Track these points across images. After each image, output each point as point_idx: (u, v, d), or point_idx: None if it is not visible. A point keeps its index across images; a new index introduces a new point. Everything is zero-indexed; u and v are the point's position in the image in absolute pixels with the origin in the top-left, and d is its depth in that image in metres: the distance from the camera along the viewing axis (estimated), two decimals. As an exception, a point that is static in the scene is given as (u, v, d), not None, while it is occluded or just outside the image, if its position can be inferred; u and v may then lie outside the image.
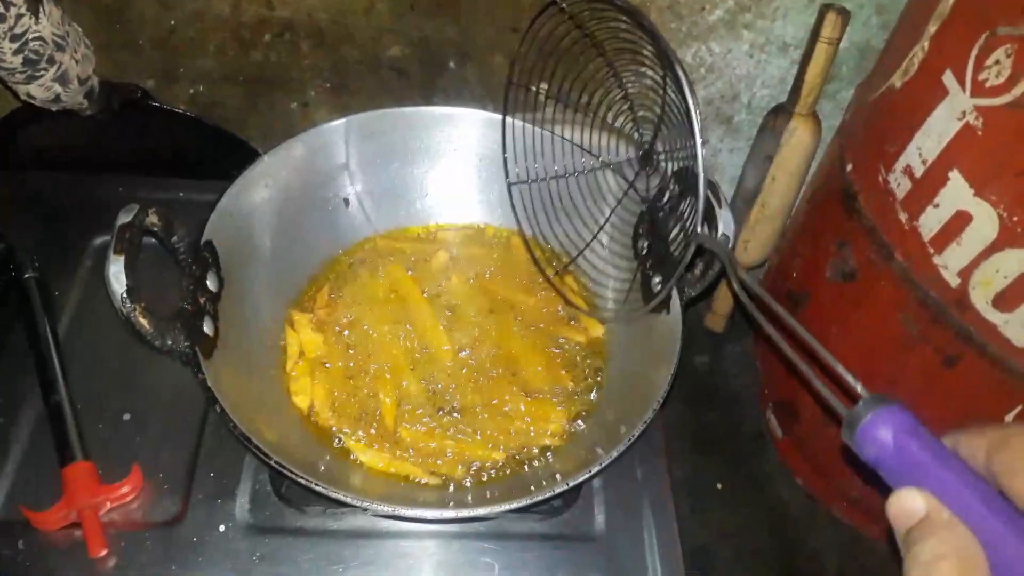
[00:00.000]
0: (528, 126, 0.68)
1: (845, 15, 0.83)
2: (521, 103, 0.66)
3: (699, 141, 0.50)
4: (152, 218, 0.54)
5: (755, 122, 0.98)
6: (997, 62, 0.61)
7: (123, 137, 0.82)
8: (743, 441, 1.17)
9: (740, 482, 1.12)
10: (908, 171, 0.72)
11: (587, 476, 0.52)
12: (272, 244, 0.67)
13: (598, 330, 0.69)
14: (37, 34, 0.63)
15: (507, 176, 0.70)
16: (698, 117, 0.50)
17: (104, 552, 0.56)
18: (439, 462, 0.60)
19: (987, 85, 0.62)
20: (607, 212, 0.69)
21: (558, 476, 0.53)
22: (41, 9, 0.63)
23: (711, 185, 0.60)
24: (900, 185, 0.73)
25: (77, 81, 0.69)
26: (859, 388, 0.33)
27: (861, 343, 0.86)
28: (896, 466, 0.31)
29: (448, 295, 0.70)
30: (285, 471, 0.50)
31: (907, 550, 0.29)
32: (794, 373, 0.37)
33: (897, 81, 0.73)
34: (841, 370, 0.34)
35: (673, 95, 0.55)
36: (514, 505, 0.51)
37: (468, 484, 0.60)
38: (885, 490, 0.31)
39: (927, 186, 0.70)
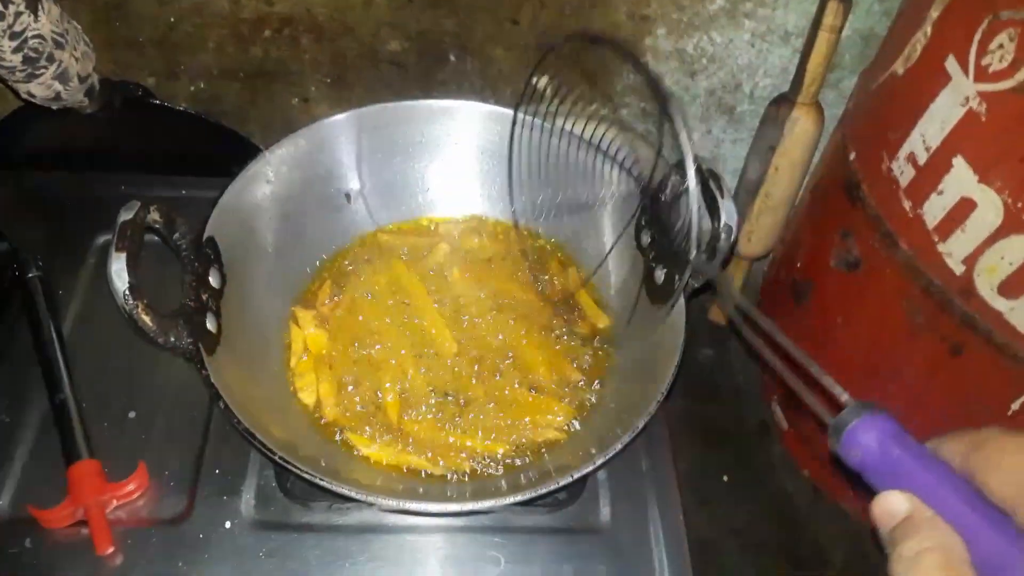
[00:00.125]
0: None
1: (847, 2, 0.82)
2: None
3: (692, 181, 0.50)
4: (154, 215, 0.54)
5: (757, 112, 0.98)
6: (1000, 46, 0.60)
7: (125, 135, 0.82)
8: (748, 434, 1.17)
9: (746, 475, 1.12)
10: (911, 158, 0.72)
11: (591, 469, 0.52)
12: (274, 240, 0.67)
13: (603, 321, 0.69)
14: (36, 32, 0.63)
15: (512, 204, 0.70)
16: (691, 156, 0.50)
17: (111, 550, 0.56)
18: (444, 458, 0.60)
19: (990, 70, 0.61)
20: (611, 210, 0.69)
21: (563, 469, 0.52)
22: (40, 7, 0.63)
23: (713, 175, 0.59)
24: (904, 173, 0.73)
25: (77, 79, 0.69)
26: (844, 397, 0.34)
27: (866, 332, 0.86)
28: (880, 469, 0.32)
29: (450, 288, 0.70)
30: (289, 467, 0.50)
31: (892, 549, 0.31)
32: (783, 383, 0.38)
33: (899, 68, 0.73)
34: (827, 381, 0.35)
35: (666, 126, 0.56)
36: (519, 498, 0.50)
37: (472, 477, 0.60)
38: (871, 493, 0.33)
39: (931, 173, 0.69)
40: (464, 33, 0.85)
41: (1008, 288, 0.67)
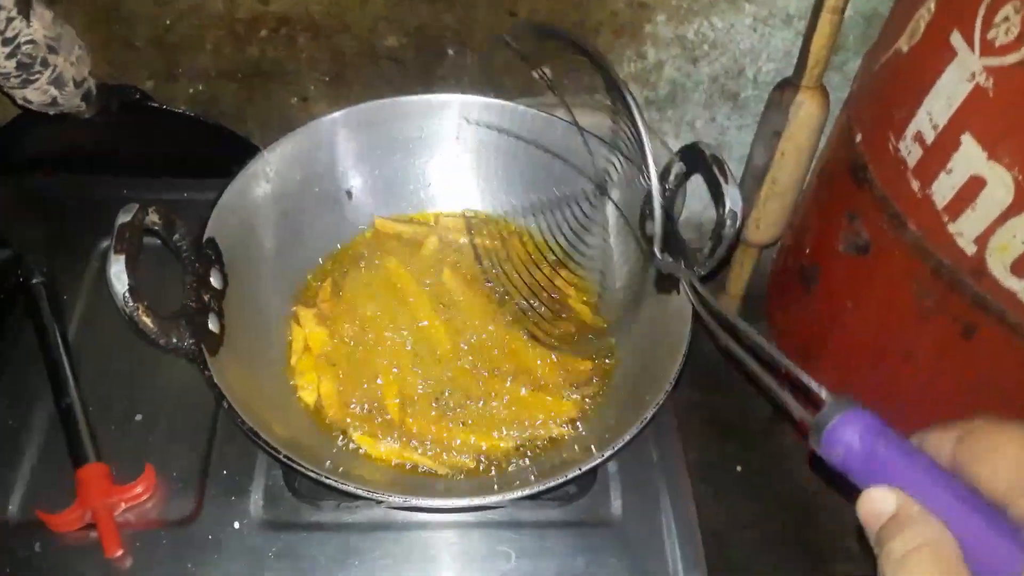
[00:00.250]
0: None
1: (849, -17, 0.81)
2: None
3: (651, 168, 0.50)
4: (152, 217, 0.54)
5: (762, 98, 0.97)
6: (1006, 19, 0.59)
7: (124, 139, 0.82)
8: (760, 423, 1.16)
9: (758, 465, 1.11)
10: (918, 137, 0.71)
11: (600, 461, 0.51)
12: (275, 239, 0.66)
13: (591, 319, 0.68)
14: (29, 37, 0.63)
15: None
16: (648, 142, 0.49)
17: (120, 552, 0.56)
18: (448, 454, 0.60)
19: (996, 44, 0.60)
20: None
21: (571, 462, 0.52)
22: (32, 12, 0.63)
23: (716, 160, 0.59)
24: (911, 153, 0.72)
25: (73, 83, 0.68)
26: (823, 394, 0.33)
27: (876, 317, 0.85)
28: (864, 467, 0.31)
29: (449, 286, 0.70)
30: (295, 465, 0.50)
31: (880, 548, 0.30)
32: (757, 384, 0.37)
33: (904, 45, 0.72)
34: (804, 377, 0.34)
35: (625, 123, 0.55)
36: (527, 492, 0.50)
37: (479, 473, 0.59)
38: (855, 493, 0.31)
39: (939, 152, 0.68)
40: (462, 27, 0.85)
41: (1021, 267, 0.66)
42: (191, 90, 0.89)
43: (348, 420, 0.61)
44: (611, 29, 0.88)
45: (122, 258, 0.49)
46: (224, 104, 0.91)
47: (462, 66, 0.88)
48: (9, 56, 0.63)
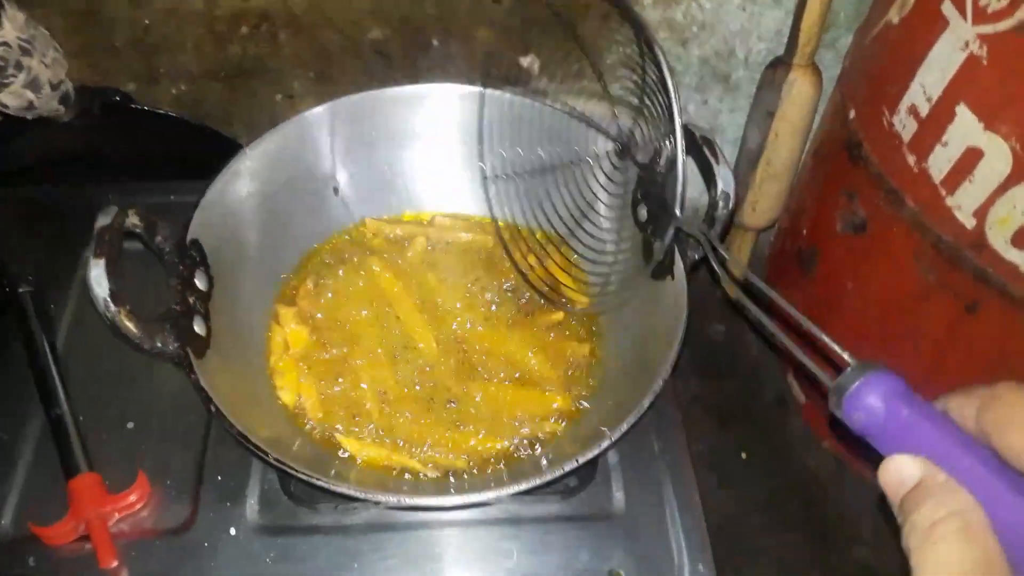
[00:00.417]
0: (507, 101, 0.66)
1: (837, -44, 0.80)
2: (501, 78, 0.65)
3: (678, 120, 0.48)
4: (133, 219, 0.53)
5: (754, 79, 0.96)
6: (999, -15, 0.58)
7: (108, 142, 0.81)
8: (766, 409, 1.15)
9: (765, 451, 1.10)
10: (913, 111, 0.69)
11: (598, 451, 0.50)
12: (261, 238, 0.65)
13: (583, 303, 0.67)
14: (1, 39, 0.62)
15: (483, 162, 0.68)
16: (674, 86, 0.48)
17: (115, 563, 0.55)
18: (438, 455, 0.59)
19: (989, 11, 0.59)
20: (599, 190, 0.67)
21: (568, 454, 0.51)
22: (3, 13, 0.62)
23: (706, 141, 0.57)
24: (906, 127, 0.71)
25: (49, 86, 0.67)
26: (846, 356, 0.32)
27: (878, 296, 0.84)
28: (887, 432, 0.30)
29: (433, 283, 0.68)
30: (285, 468, 0.49)
31: (905, 518, 0.28)
32: (777, 347, 0.36)
33: (894, 17, 0.71)
34: (827, 339, 0.33)
35: (651, 68, 0.54)
36: (524, 486, 0.49)
37: (472, 473, 0.58)
38: (877, 459, 0.30)
39: (934, 124, 0.67)
40: (445, 15, 0.84)
41: (1022, 239, 0.65)
42: (174, 91, 0.88)
43: (331, 421, 0.60)
44: (599, 13, 0.87)
45: (102, 262, 0.48)
46: (209, 105, 0.90)
47: (448, 55, 0.87)
48: (-19, 60, 0.62)
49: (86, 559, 0.55)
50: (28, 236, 0.75)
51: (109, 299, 0.48)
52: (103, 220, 0.51)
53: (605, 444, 0.50)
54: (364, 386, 0.62)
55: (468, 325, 0.66)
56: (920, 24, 0.67)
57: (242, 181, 0.64)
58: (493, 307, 0.68)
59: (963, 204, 0.67)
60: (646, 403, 0.51)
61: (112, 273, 0.48)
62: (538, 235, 0.69)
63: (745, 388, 1.18)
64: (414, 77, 0.90)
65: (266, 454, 0.49)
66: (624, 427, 0.50)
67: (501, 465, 0.59)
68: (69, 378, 0.63)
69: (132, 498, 0.57)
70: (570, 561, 0.56)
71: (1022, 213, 0.63)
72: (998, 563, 0.27)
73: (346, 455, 0.59)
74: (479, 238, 0.72)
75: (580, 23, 0.87)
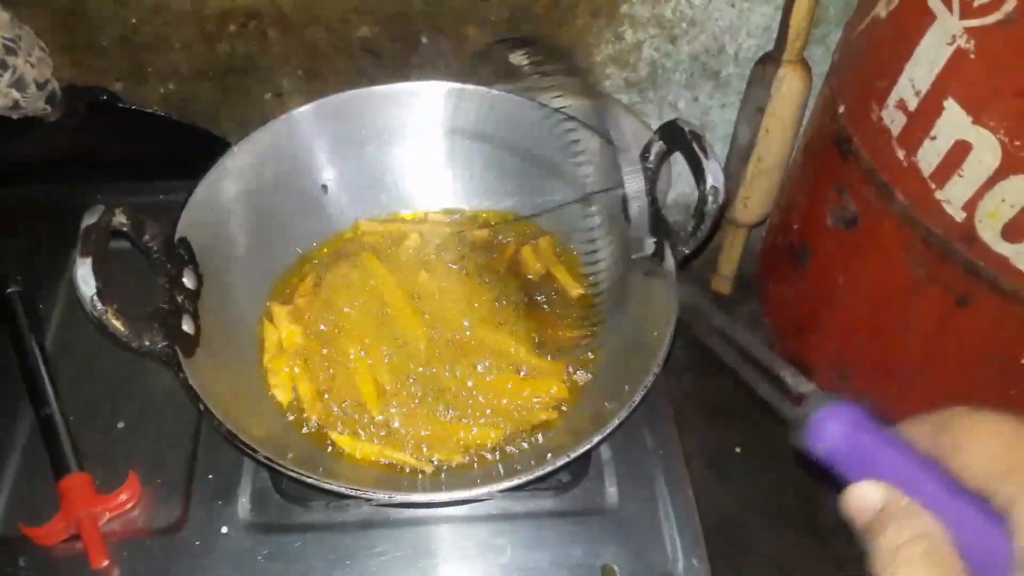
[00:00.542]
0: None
1: (826, -48, 0.80)
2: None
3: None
4: (120, 218, 0.53)
5: (743, 75, 0.96)
6: (985, -21, 0.58)
7: (96, 142, 0.81)
8: (759, 404, 1.15)
9: (760, 446, 1.10)
10: (901, 105, 0.69)
11: (590, 446, 0.50)
12: (250, 236, 0.65)
13: (578, 290, 0.67)
14: (-14, 39, 0.62)
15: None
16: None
17: (106, 562, 0.55)
18: (432, 450, 0.59)
19: (975, 4, 0.59)
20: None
21: (560, 449, 0.51)
22: None
23: (696, 136, 0.57)
24: (895, 121, 0.71)
25: (35, 85, 0.67)
26: (805, 388, 0.33)
27: (869, 291, 0.84)
28: (849, 460, 0.31)
29: (427, 279, 0.68)
30: (275, 466, 0.48)
31: (870, 543, 0.29)
32: (736, 378, 0.36)
33: (882, 11, 0.71)
34: (784, 371, 0.34)
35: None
36: (516, 482, 0.49)
37: (466, 467, 0.58)
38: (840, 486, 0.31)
39: (922, 118, 0.67)
40: (434, 12, 0.83)
41: (1012, 231, 0.65)
42: (162, 90, 0.87)
43: (327, 419, 0.60)
44: (588, 10, 0.87)
45: (88, 261, 0.48)
46: (198, 104, 0.89)
47: (437, 52, 0.87)
48: (-34, 60, 0.61)
49: (77, 559, 0.55)
50: (16, 236, 0.75)
51: (96, 298, 0.47)
52: (89, 219, 0.50)
53: (598, 438, 0.50)
54: (359, 383, 0.62)
55: (463, 321, 0.66)
56: (907, 18, 0.68)
57: (231, 179, 0.63)
58: (487, 302, 0.68)
59: (953, 197, 0.67)
60: (638, 397, 0.51)
61: (99, 272, 0.48)
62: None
63: (738, 384, 1.18)
64: (405, 74, 0.90)
65: (255, 452, 0.48)
66: (616, 421, 0.50)
67: (496, 456, 0.58)
68: (59, 377, 0.63)
69: (123, 497, 0.57)
70: (563, 557, 0.56)
71: (1011, 206, 0.63)
72: None
73: (339, 452, 0.58)
74: (471, 233, 0.72)
75: (569, 20, 0.88)
